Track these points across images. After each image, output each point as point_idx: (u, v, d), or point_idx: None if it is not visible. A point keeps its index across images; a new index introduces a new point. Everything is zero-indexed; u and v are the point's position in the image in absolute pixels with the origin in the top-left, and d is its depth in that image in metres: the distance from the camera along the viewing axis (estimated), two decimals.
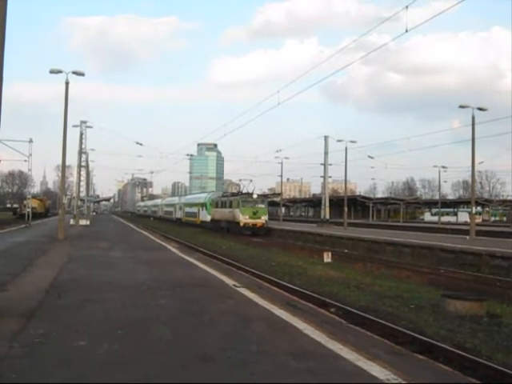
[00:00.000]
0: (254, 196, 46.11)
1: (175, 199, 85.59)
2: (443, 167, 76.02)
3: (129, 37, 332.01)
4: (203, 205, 56.50)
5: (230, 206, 45.87)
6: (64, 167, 31.86)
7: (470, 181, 46.72)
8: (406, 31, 16.50)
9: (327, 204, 50.56)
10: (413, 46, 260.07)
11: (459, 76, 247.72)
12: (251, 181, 51.59)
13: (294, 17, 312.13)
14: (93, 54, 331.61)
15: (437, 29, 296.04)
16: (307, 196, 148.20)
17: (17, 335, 6.57)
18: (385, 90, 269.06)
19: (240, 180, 54.45)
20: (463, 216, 78.44)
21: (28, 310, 8.15)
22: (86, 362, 5.60)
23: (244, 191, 49.24)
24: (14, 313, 7.88)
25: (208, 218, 53.16)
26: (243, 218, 43.06)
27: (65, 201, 37.85)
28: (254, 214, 43.38)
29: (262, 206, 45.13)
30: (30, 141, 41.65)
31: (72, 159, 79.38)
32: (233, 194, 50.65)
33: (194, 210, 60.81)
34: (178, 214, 71.13)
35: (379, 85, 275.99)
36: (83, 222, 46.00)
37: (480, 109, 33.03)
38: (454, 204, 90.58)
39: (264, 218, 43.94)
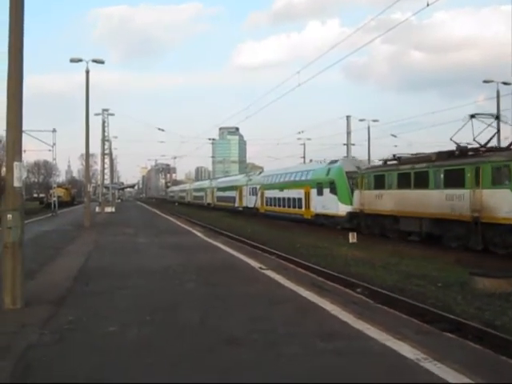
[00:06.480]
0: None
1: (238, 178, 57.90)
2: (468, 144, 74.83)
3: (152, 24, 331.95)
4: (323, 184, 31.83)
5: (455, 184, 19.97)
6: (88, 156, 32.28)
7: None
8: (428, 5, 16.15)
9: None
10: (436, 22, 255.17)
11: (483, 51, 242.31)
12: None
13: None
14: (116, 43, 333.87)
15: (459, 4, 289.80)
16: None
17: (47, 322, 6.67)
18: (407, 68, 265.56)
19: (472, 117, 22.86)
20: None
21: (57, 297, 8.27)
22: (117, 347, 5.67)
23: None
24: (43, 300, 7.99)
25: (340, 210, 29.21)
26: None
27: (90, 189, 38.25)
28: None
29: None
30: (54, 130, 42.30)
31: (96, 147, 79.85)
32: (450, 155, 22.48)
33: (292, 193, 36.83)
34: (248, 201, 48.26)
35: (402, 63, 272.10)
36: (108, 209, 46.46)
37: (505, 83, 32.40)
38: None
39: None
